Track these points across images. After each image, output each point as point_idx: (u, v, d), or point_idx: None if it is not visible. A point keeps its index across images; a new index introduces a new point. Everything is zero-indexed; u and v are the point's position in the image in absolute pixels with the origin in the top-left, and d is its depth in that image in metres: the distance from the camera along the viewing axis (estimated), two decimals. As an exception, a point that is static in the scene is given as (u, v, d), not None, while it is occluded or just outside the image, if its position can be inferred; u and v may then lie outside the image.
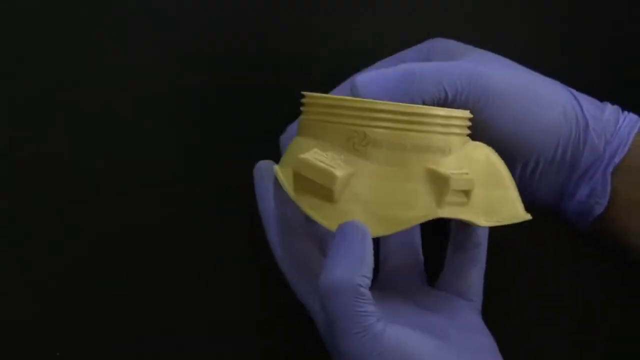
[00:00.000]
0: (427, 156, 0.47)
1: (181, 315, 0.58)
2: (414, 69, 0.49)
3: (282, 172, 0.48)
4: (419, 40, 0.57)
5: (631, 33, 0.60)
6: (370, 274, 0.45)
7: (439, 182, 0.46)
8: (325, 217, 0.46)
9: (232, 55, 0.56)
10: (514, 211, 0.48)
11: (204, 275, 0.58)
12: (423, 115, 0.47)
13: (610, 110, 0.53)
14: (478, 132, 0.49)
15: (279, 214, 0.49)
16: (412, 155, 0.46)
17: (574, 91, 0.53)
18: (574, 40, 0.60)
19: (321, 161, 0.46)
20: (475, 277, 0.52)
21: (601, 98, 0.53)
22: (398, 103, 0.47)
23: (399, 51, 0.54)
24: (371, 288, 0.52)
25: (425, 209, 0.46)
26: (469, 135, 0.49)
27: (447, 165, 0.47)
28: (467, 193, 0.46)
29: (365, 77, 0.49)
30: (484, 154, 0.49)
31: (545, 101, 0.51)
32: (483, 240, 0.52)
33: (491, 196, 0.48)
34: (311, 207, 0.46)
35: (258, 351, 0.60)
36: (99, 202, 0.56)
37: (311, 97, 0.48)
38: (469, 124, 0.49)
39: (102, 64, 0.55)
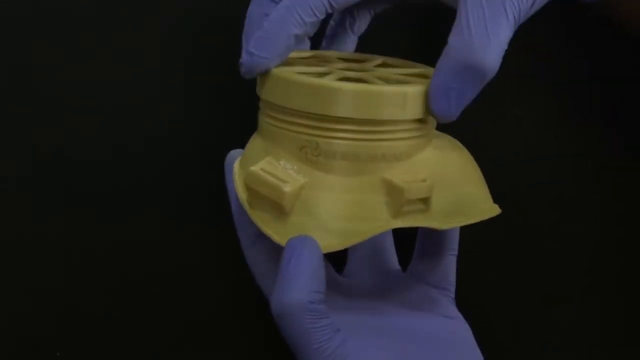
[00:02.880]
0: (383, 165, 0.45)
1: (181, 316, 0.58)
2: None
3: (239, 179, 0.47)
4: (417, 39, 0.57)
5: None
6: (322, 288, 0.44)
7: (393, 193, 0.45)
8: (277, 232, 0.45)
9: (234, 53, 0.56)
10: (481, 208, 0.47)
11: (206, 276, 0.58)
12: (378, 123, 0.45)
13: None
14: None
15: (241, 213, 0.49)
16: (367, 165, 0.45)
17: None
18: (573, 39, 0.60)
19: (271, 174, 0.45)
20: (447, 265, 0.51)
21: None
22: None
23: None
24: (339, 282, 0.52)
25: (380, 220, 0.45)
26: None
27: (405, 172, 0.45)
28: (425, 200, 0.45)
29: None
30: (449, 153, 0.47)
31: None
32: (455, 228, 0.52)
33: (456, 196, 0.46)
34: (263, 221, 0.46)
35: (256, 350, 0.60)
36: (99, 201, 0.56)
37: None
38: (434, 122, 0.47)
39: (101, 63, 0.55)
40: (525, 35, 0.59)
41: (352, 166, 0.45)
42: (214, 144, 0.57)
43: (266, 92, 0.47)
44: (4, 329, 0.57)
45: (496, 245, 0.60)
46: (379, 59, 0.52)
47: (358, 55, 0.52)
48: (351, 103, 0.44)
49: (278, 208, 0.45)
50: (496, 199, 0.49)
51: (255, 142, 0.48)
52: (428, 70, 0.49)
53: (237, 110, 0.56)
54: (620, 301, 0.63)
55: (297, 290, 0.43)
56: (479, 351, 0.48)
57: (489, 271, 0.61)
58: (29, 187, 0.55)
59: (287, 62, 0.48)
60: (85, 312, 0.57)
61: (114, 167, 0.56)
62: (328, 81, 0.45)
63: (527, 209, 0.60)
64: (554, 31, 0.59)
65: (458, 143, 0.49)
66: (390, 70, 0.49)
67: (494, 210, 0.47)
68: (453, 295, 0.52)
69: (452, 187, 0.46)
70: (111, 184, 0.56)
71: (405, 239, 0.54)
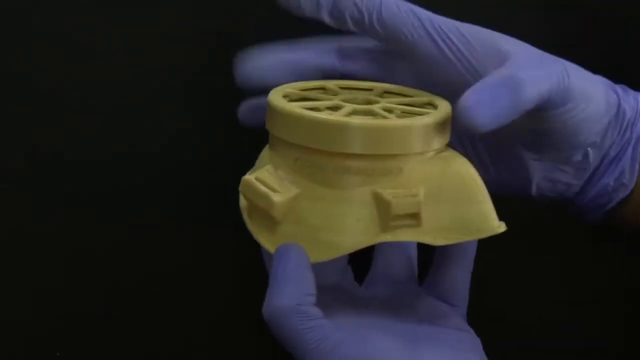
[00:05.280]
0: (375, 178, 0.45)
1: (181, 316, 0.58)
2: (518, 81, 0.45)
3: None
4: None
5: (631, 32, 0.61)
6: (312, 291, 0.44)
7: (382, 207, 0.44)
8: (268, 240, 0.46)
9: (235, 54, 0.56)
10: (482, 225, 0.46)
11: (206, 276, 0.58)
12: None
13: (630, 91, 0.52)
14: (529, 122, 0.48)
15: None
16: (358, 179, 0.45)
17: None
18: (573, 40, 0.60)
19: (265, 183, 0.45)
20: (459, 281, 0.51)
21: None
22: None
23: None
24: (352, 289, 0.53)
25: (368, 233, 0.44)
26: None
27: (397, 186, 0.45)
28: (414, 215, 0.45)
29: (473, 104, 0.44)
30: (450, 167, 0.46)
31: (596, 97, 0.49)
32: (472, 245, 0.51)
33: (454, 212, 0.45)
34: (257, 229, 0.46)
35: (256, 351, 0.60)
36: (99, 201, 0.56)
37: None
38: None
39: (101, 63, 0.55)
40: (525, 36, 0.59)
41: (343, 179, 0.45)
42: (214, 144, 0.57)
43: (269, 124, 0.47)
44: (4, 329, 0.57)
45: (495, 246, 0.60)
46: (384, 87, 0.51)
47: (362, 84, 0.51)
48: (358, 139, 0.44)
49: (269, 217, 0.45)
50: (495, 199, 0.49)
51: (264, 151, 0.49)
52: (433, 98, 0.49)
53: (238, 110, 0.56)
54: (621, 302, 0.63)
55: (285, 294, 0.44)
56: None
57: (486, 271, 0.61)
58: (29, 187, 0.55)
59: (291, 94, 0.49)
60: (85, 312, 0.57)
61: (114, 167, 0.56)
62: (330, 117, 0.45)
63: (528, 209, 0.60)
64: (554, 32, 0.59)
65: (463, 158, 0.47)
66: (395, 99, 0.49)
67: (497, 227, 0.46)
68: (464, 312, 0.51)
69: (451, 203, 0.45)
70: (111, 184, 0.56)
71: (427, 253, 0.54)
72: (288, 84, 0.49)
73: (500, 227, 0.46)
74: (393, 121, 0.45)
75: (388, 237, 0.45)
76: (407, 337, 0.46)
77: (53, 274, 0.57)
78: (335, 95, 0.49)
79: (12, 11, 0.53)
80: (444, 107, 0.47)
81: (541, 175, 0.51)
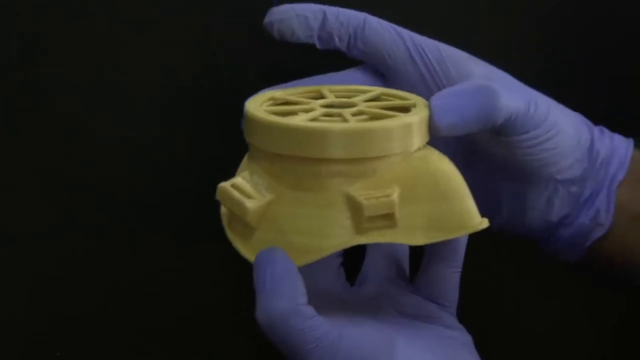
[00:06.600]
0: (349, 181, 0.45)
1: (182, 316, 0.59)
2: (493, 90, 0.46)
3: None
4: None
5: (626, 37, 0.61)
6: (303, 290, 0.44)
7: (354, 209, 0.44)
8: (245, 247, 0.46)
9: (237, 58, 0.56)
10: (466, 222, 0.45)
11: (206, 276, 0.59)
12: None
13: (606, 130, 0.53)
14: (498, 150, 0.49)
15: None
16: (331, 182, 0.44)
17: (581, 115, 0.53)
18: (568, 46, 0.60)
19: (240, 189, 0.45)
20: (447, 281, 0.51)
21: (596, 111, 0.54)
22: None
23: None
24: (344, 288, 0.53)
25: (342, 236, 0.44)
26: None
27: (371, 187, 0.44)
28: (388, 216, 0.44)
29: (440, 103, 0.46)
30: (427, 165, 0.46)
31: (565, 129, 0.50)
32: (460, 244, 0.51)
33: (436, 210, 0.45)
34: (235, 236, 0.46)
35: (256, 352, 0.60)
36: (100, 201, 0.56)
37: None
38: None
39: (101, 63, 0.55)
40: (526, 37, 0.59)
41: (316, 183, 0.45)
42: (214, 144, 0.57)
43: (245, 132, 0.47)
44: (3, 329, 0.57)
45: (493, 247, 0.60)
46: (374, 92, 0.50)
47: (354, 88, 0.51)
48: (328, 145, 0.44)
49: (246, 223, 0.45)
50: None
51: (243, 160, 0.49)
52: (420, 100, 0.48)
53: (238, 111, 0.56)
54: (618, 305, 0.63)
55: (281, 296, 0.44)
56: (479, 357, 0.48)
57: (484, 272, 0.61)
58: (29, 187, 0.55)
59: (279, 98, 0.49)
60: (85, 312, 0.57)
61: (113, 167, 0.56)
62: (299, 123, 0.44)
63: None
64: (554, 34, 0.59)
65: (442, 156, 0.47)
66: (380, 103, 0.48)
67: (479, 224, 0.46)
68: (454, 311, 0.52)
69: (430, 201, 0.45)
70: (111, 184, 0.56)
71: (419, 252, 0.54)
72: (279, 90, 0.50)
73: (482, 223, 0.46)
74: (362, 124, 0.45)
75: (363, 240, 0.44)
76: (390, 336, 0.46)
77: (53, 273, 0.57)
78: (320, 99, 0.49)
79: (12, 11, 0.53)
80: (421, 109, 0.47)
81: (511, 202, 0.52)
